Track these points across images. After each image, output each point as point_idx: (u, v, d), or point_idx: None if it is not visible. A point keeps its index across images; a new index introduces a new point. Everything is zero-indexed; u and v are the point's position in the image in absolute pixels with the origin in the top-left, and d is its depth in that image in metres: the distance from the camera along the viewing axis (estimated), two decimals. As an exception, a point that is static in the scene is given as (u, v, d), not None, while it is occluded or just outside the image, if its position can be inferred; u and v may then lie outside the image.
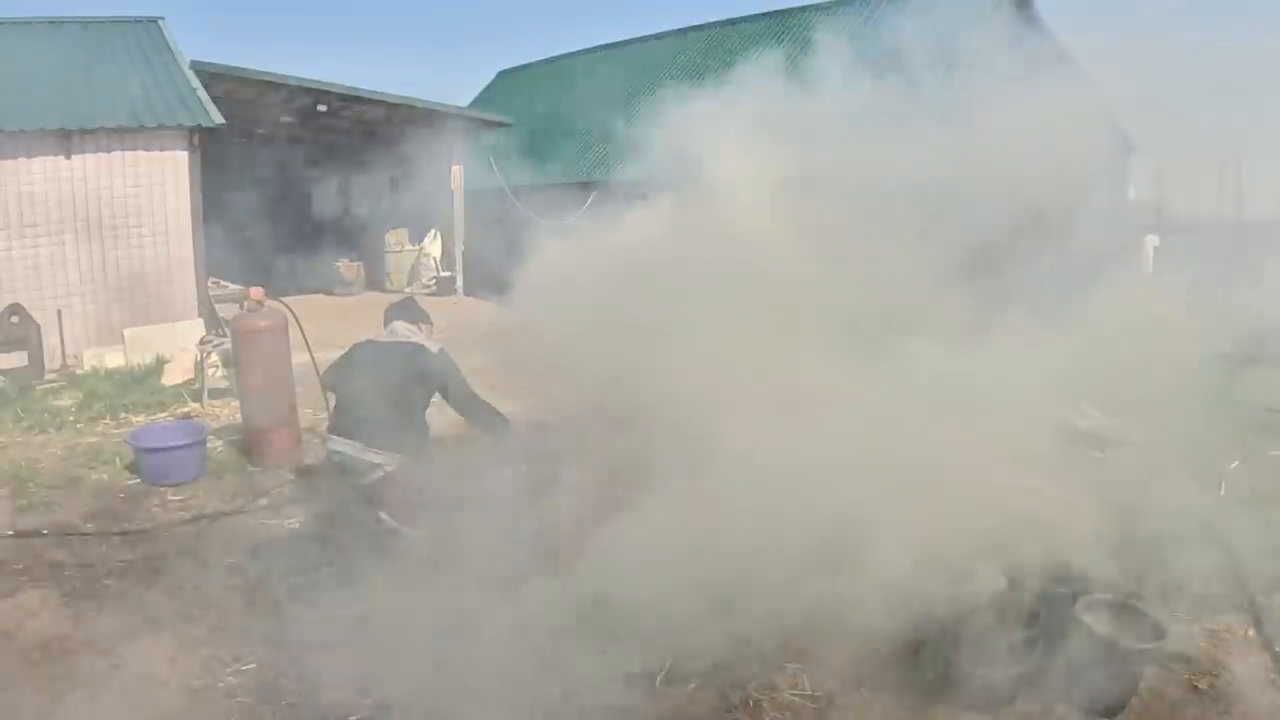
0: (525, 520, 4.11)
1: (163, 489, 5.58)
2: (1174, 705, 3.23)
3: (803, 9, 17.38)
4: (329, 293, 14.60)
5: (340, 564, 4.05)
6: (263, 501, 5.38)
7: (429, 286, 14.45)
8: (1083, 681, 3.08)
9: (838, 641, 3.15)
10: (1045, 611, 3.08)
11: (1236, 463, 8.64)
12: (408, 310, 4.86)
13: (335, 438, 4.41)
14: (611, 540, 3.59)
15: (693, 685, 3.09)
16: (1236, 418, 11.18)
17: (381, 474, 4.22)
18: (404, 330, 4.65)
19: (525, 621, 3.27)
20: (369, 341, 4.71)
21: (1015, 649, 2.99)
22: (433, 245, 15.03)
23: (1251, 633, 3.88)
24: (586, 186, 16.05)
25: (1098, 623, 3.13)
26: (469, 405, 4.55)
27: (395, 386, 4.33)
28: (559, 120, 19.24)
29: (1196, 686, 3.37)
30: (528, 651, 3.09)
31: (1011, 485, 3.22)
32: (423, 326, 4.75)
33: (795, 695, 3.05)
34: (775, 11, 17.82)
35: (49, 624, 3.88)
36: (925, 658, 3.14)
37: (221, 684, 3.13)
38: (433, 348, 4.56)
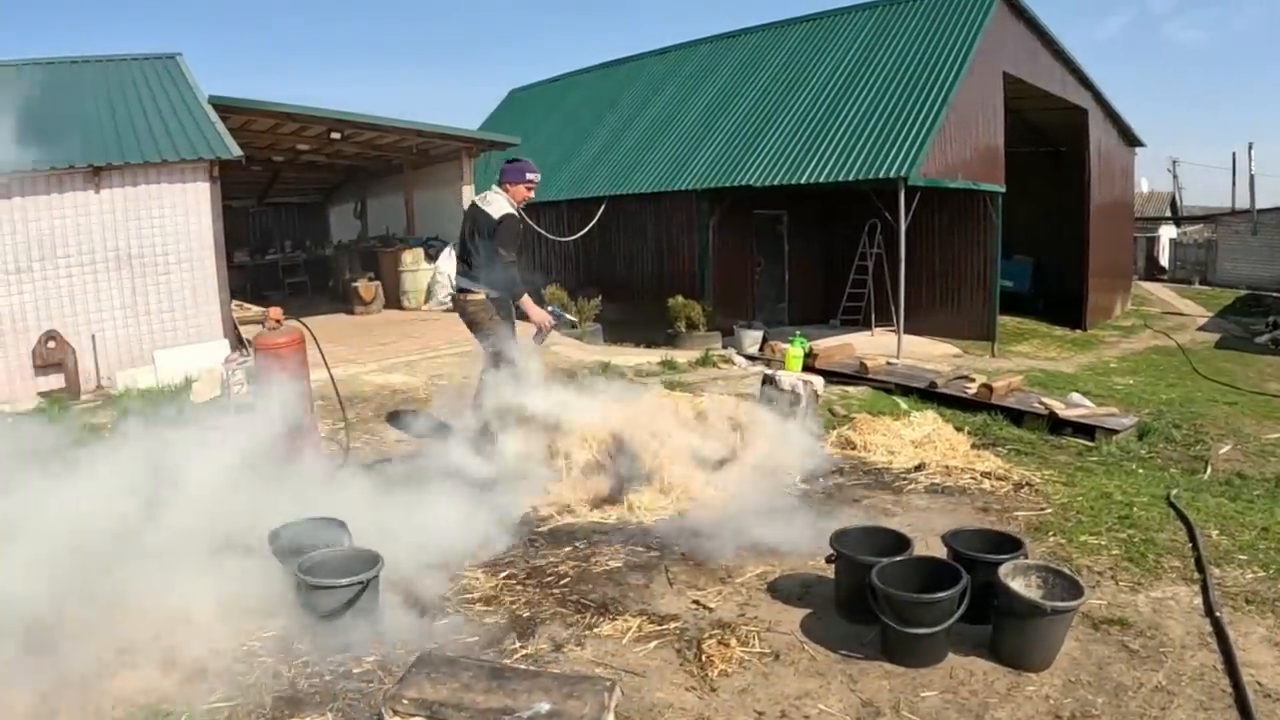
0: None
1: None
2: (1101, 663, 3.40)
3: (804, 18, 17.72)
4: (349, 312, 15.12)
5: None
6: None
7: (445, 303, 14.92)
8: (1008, 638, 3.39)
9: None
10: (973, 575, 3.40)
11: (1227, 447, 8.86)
12: (505, 173, 5.64)
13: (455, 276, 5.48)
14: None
15: (654, 644, 3.46)
16: (1240, 403, 11.32)
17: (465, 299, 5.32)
18: (493, 192, 5.53)
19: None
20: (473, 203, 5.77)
21: (946, 609, 3.31)
22: (447, 263, 15.52)
23: (1198, 600, 4.05)
24: (595, 202, 16.50)
25: (1024, 586, 3.43)
26: (494, 256, 5.32)
27: (473, 237, 5.41)
28: (565, 137, 19.73)
29: (1128, 647, 3.56)
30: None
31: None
32: (508, 187, 5.54)
33: (744, 652, 3.39)
34: (775, 23, 18.20)
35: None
36: (862, 618, 3.47)
37: (244, 646, 3.46)
38: (497, 211, 5.39)
